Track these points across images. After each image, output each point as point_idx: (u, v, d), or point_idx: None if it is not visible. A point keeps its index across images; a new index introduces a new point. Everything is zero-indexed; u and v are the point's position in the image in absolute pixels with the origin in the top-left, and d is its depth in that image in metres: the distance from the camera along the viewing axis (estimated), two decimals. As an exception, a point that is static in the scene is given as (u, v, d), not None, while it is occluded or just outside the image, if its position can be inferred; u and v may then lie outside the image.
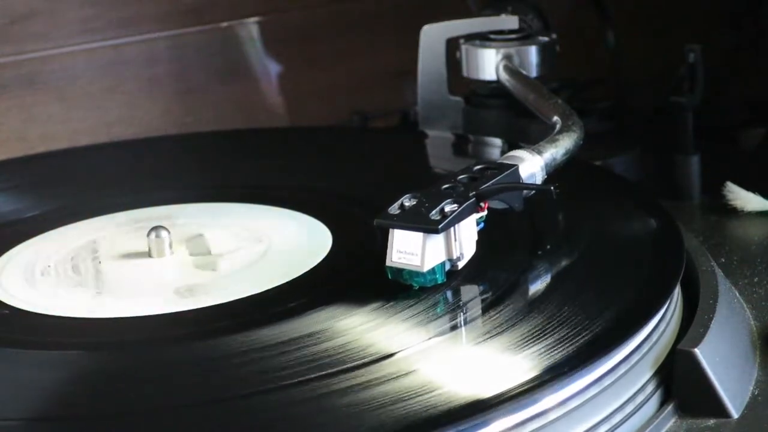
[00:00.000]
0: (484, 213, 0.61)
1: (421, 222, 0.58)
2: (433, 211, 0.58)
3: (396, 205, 0.60)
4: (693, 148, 0.82)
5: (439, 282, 0.59)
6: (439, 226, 0.58)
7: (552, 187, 0.60)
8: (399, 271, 0.59)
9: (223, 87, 1.05)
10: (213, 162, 0.86)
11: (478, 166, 0.63)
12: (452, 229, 0.59)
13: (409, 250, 0.58)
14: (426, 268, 0.58)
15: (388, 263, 0.59)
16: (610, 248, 0.66)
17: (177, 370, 0.55)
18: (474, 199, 0.60)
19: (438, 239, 0.59)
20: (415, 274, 0.59)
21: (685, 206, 0.80)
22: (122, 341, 0.59)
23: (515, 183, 0.63)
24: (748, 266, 0.70)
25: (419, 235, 0.58)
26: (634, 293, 0.60)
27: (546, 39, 0.88)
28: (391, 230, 0.59)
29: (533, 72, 0.87)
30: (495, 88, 0.88)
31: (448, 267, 0.60)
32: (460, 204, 0.59)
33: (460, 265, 0.60)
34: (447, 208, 0.59)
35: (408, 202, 0.60)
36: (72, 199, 0.80)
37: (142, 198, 0.77)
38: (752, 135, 0.92)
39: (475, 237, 0.61)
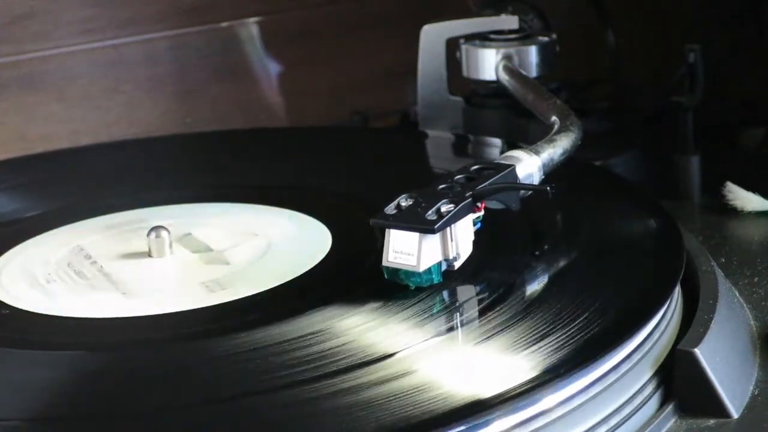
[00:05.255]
0: (481, 213, 0.61)
1: (418, 222, 0.58)
2: (430, 211, 0.58)
3: (392, 205, 0.60)
4: (693, 148, 0.82)
5: (435, 282, 0.59)
6: (435, 226, 0.58)
7: (548, 188, 0.60)
8: (395, 271, 0.59)
9: (224, 87, 1.05)
10: (213, 162, 0.86)
11: (475, 166, 0.63)
12: (448, 229, 0.59)
13: (406, 250, 0.58)
14: (422, 268, 0.58)
15: (384, 263, 0.59)
16: (609, 248, 0.66)
17: (177, 370, 0.55)
18: (470, 199, 0.60)
19: (434, 239, 0.58)
20: (411, 274, 0.58)
21: (685, 206, 0.80)
22: (121, 341, 0.59)
23: (512, 183, 0.63)
24: (748, 266, 0.70)
25: (415, 235, 0.58)
26: (634, 293, 0.60)
27: (546, 39, 0.88)
28: (387, 230, 0.59)
29: (533, 72, 0.87)
30: (495, 88, 0.88)
31: (444, 267, 0.60)
32: (456, 204, 0.59)
33: (457, 265, 0.60)
34: (443, 208, 0.59)
35: (404, 202, 0.60)
36: (72, 199, 0.80)
37: (142, 198, 0.77)
38: (752, 135, 0.92)
39: (472, 237, 0.61)
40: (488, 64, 0.87)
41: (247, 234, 0.70)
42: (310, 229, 0.70)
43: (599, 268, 0.63)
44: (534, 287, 0.61)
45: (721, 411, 0.55)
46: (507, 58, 0.86)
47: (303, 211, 0.73)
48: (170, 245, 0.67)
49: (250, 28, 1.05)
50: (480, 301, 0.59)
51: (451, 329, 0.57)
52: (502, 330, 0.56)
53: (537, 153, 0.65)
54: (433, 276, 0.59)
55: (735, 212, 0.77)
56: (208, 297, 0.62)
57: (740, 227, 0.76)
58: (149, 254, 0.67)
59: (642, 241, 0.67)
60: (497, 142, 0.85)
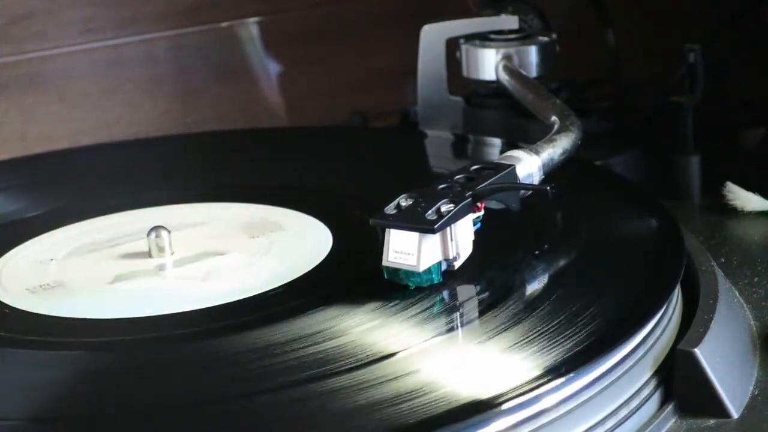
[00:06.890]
0: (481, 213, 0.61)
1: (417, 222, 0.58)
2: (430, 211, 0.58)
3: (392, 204, 0.60)
4: (693, 148, 0.82)
5: (435, 282, 0.59)
6: (435, 226, 0.58)
7: (548, 187, 0.60)
8: (395, 271, 0.59)
9: (223, 87, 1.05)
10: (213, 162, 0.86)
11: (475, 166, 0.63)
12: (448, 229, 0.59)
13: (405, 249, 0.58)
14: (422, 268, 0.58)
15: (384, 263, 0.59)
16: (609, 248, 0.66)
17: (177, 370, 0.55)
18: (470, 198, 0.60)
19: (434, 239, 0.58)
20: (411, 274, 0.59)
21: (685, 206, 0.80)
22: (122, 341, 0.59)
23: (512, 183, 0.63)
24: (748, 266, 0.70)
25: (415, 234, 0.58)
26: (633, 293, 0.60)
27: (546, 39, 0.88)
28: (387, 230, 0.59)
29: (533, 72, 0.87)
30: (495, 88, 0.88)
31: (444, 267, 0.60)
32: (456, 204, 0.59)
33: (457, 265, 0.60)
34: (443, 208, 0.59)
35: (404, 201, 0.60)
36: (72, 199, 0.80)
37: (142, 198, 0.77)
38: (752, 135, 0.92)
39: (472, 237, 0.61)
40: (488, 64, 0.87)
41: (247, 234, 0.70)
42: (310, 229, 0.70)
43: (599, 268, 0.63)
44: (534, 287, 0.61)
45: (721, 411, 0.55)
46: (507, 58, 0.86)
47: (303, 211, 0.73)
48: (170, 245, 0.67)
49: (250, 28, 1.05)
50: (480, 301, 0.59)
51: (451, 329, 0.57)
52: (502, 330, 0.56)
53: (537, 153, 0.65)
54: (433, 276, 0.59)
55: (735, 212, 0.77)
56: (207, 297, 0.62)
57: (740, 227, 0.76)
58: (149, 254, 0.67)
59: (642, 241, 0.67)
60: (497, 142, 0.85)
